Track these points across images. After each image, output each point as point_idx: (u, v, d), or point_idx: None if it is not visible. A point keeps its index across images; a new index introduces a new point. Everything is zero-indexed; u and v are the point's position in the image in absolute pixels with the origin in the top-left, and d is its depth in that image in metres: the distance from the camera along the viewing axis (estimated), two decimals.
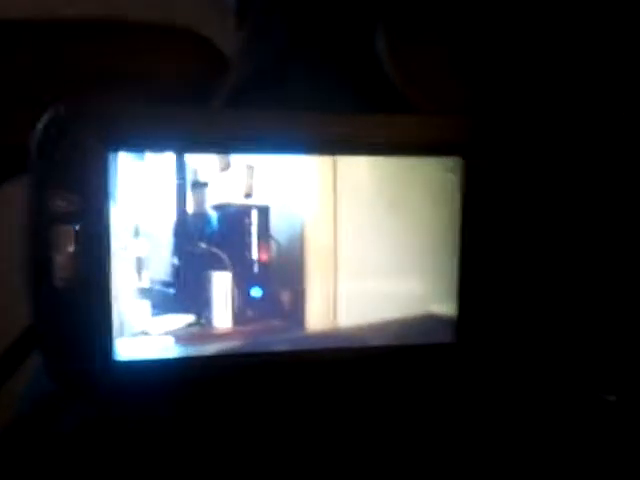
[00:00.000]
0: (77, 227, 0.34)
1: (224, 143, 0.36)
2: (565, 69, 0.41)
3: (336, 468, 0.36)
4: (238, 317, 0.37)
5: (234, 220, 0.37)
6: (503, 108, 0.41)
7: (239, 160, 0.36)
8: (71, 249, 0.34)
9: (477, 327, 0.40)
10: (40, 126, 0.34)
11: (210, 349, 0.37)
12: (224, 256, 0.37)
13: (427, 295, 0.40)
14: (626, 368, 0.40)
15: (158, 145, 0.35)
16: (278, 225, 0.37)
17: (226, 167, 0.36)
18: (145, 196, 0.35)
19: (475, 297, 0.40)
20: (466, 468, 0.36)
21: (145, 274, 0.36)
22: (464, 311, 0.40)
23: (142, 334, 0.36)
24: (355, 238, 0.38)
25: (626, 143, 0.40)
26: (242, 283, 0.37)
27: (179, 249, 0.36)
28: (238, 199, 0.37)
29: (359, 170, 0.38)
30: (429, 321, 0.40)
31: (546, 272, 0.41)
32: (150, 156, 0.35)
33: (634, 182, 0.40)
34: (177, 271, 0.36)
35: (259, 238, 0.37)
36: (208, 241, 0.37)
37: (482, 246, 0.39)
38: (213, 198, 0.36)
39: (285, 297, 0.38)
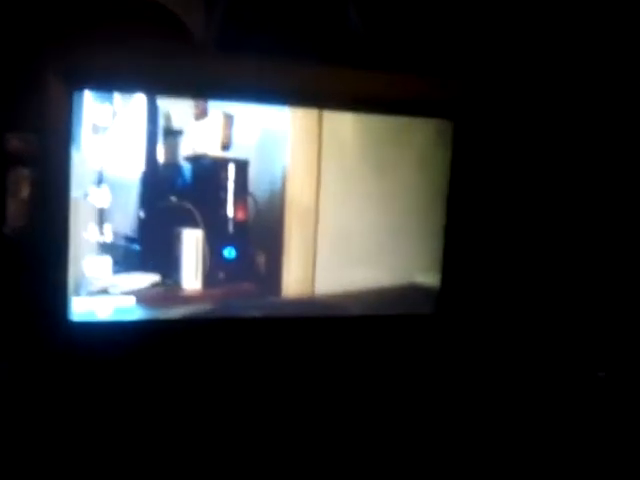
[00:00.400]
0: (33, 171, 0.31)
1: (202, 87, 0.33)
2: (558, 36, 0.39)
3: (305, 443, 0.34)
4: (208, 279, 0.34)
5: (209, 173, 0.34)
6: (495, 71, 0.39)
7: (217, 107, 0.33)
8: (25, 194, 0.31)
9: (459, 299, 0.38)
10: None
11: (176, 312, 0.34)
12: (196, 212, 0.34)
13: (410, 264, 0.38)
14: (614, 345, 0.39)
15: (128, 85, 0.32)
16: (257, 181, 0.34)
17: (203, 115, 0.33)
18: (111, 141, 0.32)
19: (459, 267, 0.38)
20: (444, 441, 0.35)
21: (107, 227, 0.32)
22: (447, 281, 0.38)
23: (101, 293, 0.33)
24: (338, 199, 0.36)
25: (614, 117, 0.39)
26: (214, 242, 0.34)
27: (146, 202, 0.33)
28: (214, 151, 0.34)
29: (345, 128, 0.35)
30: (410, 291, 0.38)
31: (533, 244, 0.39)
32: (118, 97, 0.32)
33: (622, 155, 0.39)
34: (143, 226, 0.33)
35: (235, 194, 0.34)
36: (179, 195, 0.33)
37: (469, 214, 0.38)
38: (187, 148, 0.33)
39: (260, 260, 0.35)
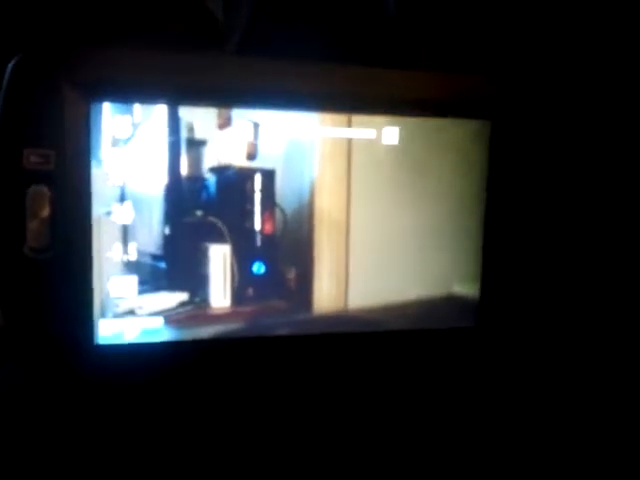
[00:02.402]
0: (53, 188, 0.29)
1: (225, 95, 0.31)
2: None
3: (342, 463, 0.32)
4: (237, 296, 0.33)
5: (235, 185, 0.32)
6: (535, 69, 0.37)
7: (242, 116, 0.32)
8: (45, 213, 0.29)
9: (500, 310, 0.36)
10: (10, 72, 0.29)
11: (205, 332, 0.33)
12: (222, 226, 0.32)
13: (447, 274, 0.36)
14: None
15: (148, 95, 0.30)
16: (284, 192, 0.33)
17: (227, 124, 0.32)
18: (132, 155, 0.31)
19: (500, 277, 0.36)
20: (488, 459, 0.33)
21: (132, 245, 0.31)
22: (487, 292, 0.36)
23: (128, 314, 0.31)
24: (370, 208, 0.34)
25: None
26: (243, 258, 0.33)
27: (171, 217, 0.32)
28: (240, 161, 0.32)
29: (377, 132, 0.34)
30: (448, 303, 0.36)
31: (577, 250, 0.37)
32: (139, 108, 0.31)
33: None
34: (168, 242, 0.32)
35: (263, 206, 0.33)
36: (204, 209, 0.32)
37: (508, 219, 0.36)
38: (211, 159, 0.32)
39: (291, 274, 0.33)
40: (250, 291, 0.33)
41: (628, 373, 0.37)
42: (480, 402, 0.35)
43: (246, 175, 0.32)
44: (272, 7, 0.36)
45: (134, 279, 0.31)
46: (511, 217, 0.35)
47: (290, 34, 0.34)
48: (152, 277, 0.32)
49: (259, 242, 0.33)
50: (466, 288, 0.36)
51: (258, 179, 0.32)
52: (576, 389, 0.36)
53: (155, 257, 0.32)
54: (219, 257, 0.32)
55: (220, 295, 0.33)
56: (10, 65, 0.29)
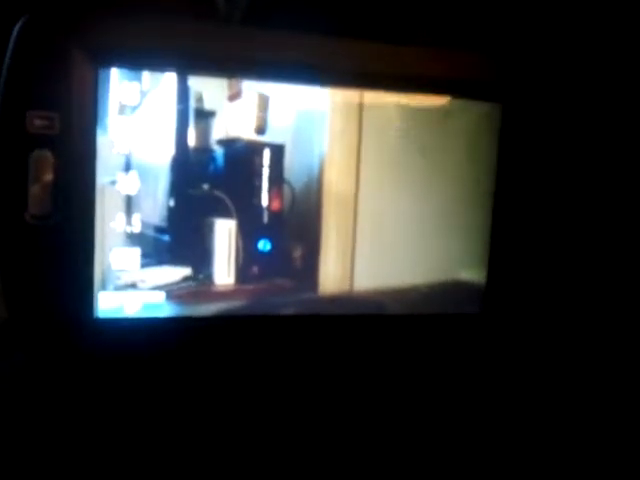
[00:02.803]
0: (57, 153, 0.28)
1: (236, 65, 0.30)
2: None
3: (345, 445, 0.31)
4: (242, 273, 0.32)
5: (243, 159, 0.32)
6: (546, 52, 0.36)
7: (252, 87, 0.31)
8: (48, 179, 0.28)
9: (506, 297, 0.36)
10: (16, 33, 0.28)
11: (207, 309, 0.32)
12: (229, 201, 0.32)
13: (453, 260, 0.35)
14: None
15: (157, 62, 0.30)
16: (293, 168, 0.32)
17: (237, 95, 0.31)
18: (139, 123, 0.30)
19: (507, 263, 0.35)
20: (491, 447, 0.32)
21: (136, 217, 0.30)
22: (493, 278, 0.36)
23: (129, 287, 0.31)
24: (378, 189, 0.33)
25: None
26: (248, 234, 0.32)
27: (177, 189, 0.31)
28: (249, 134, 0.31)
29: (388, 110, 0.33)
30: (453, 289, 0.35)
31: (586, 237, 0.37)
32: (147, 75, 0.30)
33: None
34: (173, 216, 0.31)
35: (271, 182, 0.32)
36: (211, 182, 0.31)
37: (517, 205, 0.35)
38: (219, 131, 0.31)
39: (297, 253, 0.33)
40: (255, 269, 0.32)
41: (632, 363, 0.36)
42: (483, 389, 0.35)
43: (255, 149, 0.32)
44: None
45: (137, 251, 0.30)
46: (520, 204, 0.35)
47: (291, 11, 0.34)
48: (155, 250, 0.31)
49: (266, 219, 0.32)
50: (472, 274, 0.36)
51: (267, 154, 0.32)
52: (580, 377, 0.36)
53: (159, 230, 0.31)
54: (224, 233, 0.32)
55: (224, 272, 0.32)
56: (17, 26, 0.28)
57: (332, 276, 0.33)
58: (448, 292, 0.35)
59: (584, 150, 0.36)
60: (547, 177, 0.35)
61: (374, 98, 0.33)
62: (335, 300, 0.34)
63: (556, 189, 0.36)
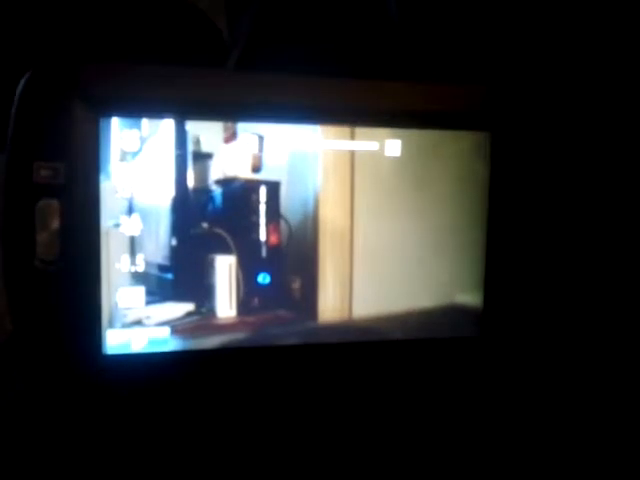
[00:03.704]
0: (62, 201, 0.30)
1: (231, 109, 0.32)
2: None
3: (348, 471, 0.32)
4: (243, 306, 0.33)
5: (240, 197, 0.33)
6: (531, 83, 0.37)
7: (247, 129, 0.32)
8: (55, 226, 0.30)
9: (503, 320, 0.36)
10: (21, 88, 0.30)
11: (211, 342, 0.33)
12: (228, 238, 0.33)
13: (450, 285, 0.36)
14: None
15: (156, 110, 0.31)
16: (289, 203, 0.33)
17: (232, 137, 0.32)
18: (140, 168, 0.31)
19: (502, 286, 0.36)
20: (492, 469, 0.33)
21: (139, 257, 0.32)
22: (490, 302, 0.36)
23: (135, 324, 0.32)
24: (373, 219, 0.35)
25: None
26: (248, 268, 0.33)
27: (178, 229, 0.32)
28: (245, 173, 0.33)
29: (379, 143, 0.34)
30: (451, 313, 0.36)
31: (579, 259, 0.37)
32: (146, 123, 0.31)
33: None
34: (175, 254, 0.32)
35: (268, 218, 0.33)
36: (211, 220, 0.33)
37: (510, 229, 0.36)
38: (217, 172, 0.32)
39: (296, 285, 0.34)
40: (256, 301, 0.34)
41: (631, 382, 0.37)
42: (484, 411, 0.36)
43: (251, 187, 0.33)
44: (271, 24, 0.36)
45: (142, 290, 0.32)
46: (513, 227, 0.36)
47: (289, 50, 0.35)
48: (159, 288, 0.32)
49: (264, 253, 0.33)
50: (469, 298, 0.36)
51: (263, 191, 0.33)
52: (580, 399, 0.36)
53: (162, 268, 0.32)
54: (225, 268, 0.33)
55: (226, 305, 0.33)
56: (22, 80, 0.30)
57: (331, 305, 0.34)
58: (447, 316, 0.36)
59: (572, 172, 0.37)
60: (538, 201, 0.36)
61: (365, 133, 0.34)
62: (335, 329, 0.35)
63: (547, 211, 0.36)
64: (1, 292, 0.30)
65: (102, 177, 0.31)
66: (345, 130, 0.33)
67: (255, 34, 0.36)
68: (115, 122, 0.31)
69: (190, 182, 0.32)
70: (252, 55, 0.36)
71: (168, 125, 0.31)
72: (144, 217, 0.32)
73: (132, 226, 0.31)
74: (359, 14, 0.40)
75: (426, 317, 0.36)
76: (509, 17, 0.39)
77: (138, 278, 0.32)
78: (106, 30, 0.38)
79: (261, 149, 0.33)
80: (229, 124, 0.32)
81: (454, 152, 0.35)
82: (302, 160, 0.33)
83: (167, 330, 0.32)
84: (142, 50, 0.38)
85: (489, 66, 0.38)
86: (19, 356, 0.31)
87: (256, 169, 0.33)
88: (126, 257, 0.31)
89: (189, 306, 0.33)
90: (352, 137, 0.34)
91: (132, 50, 0.38)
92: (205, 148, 0.32)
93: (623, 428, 0.35)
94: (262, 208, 0.33)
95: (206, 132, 0.32)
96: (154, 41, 0.39)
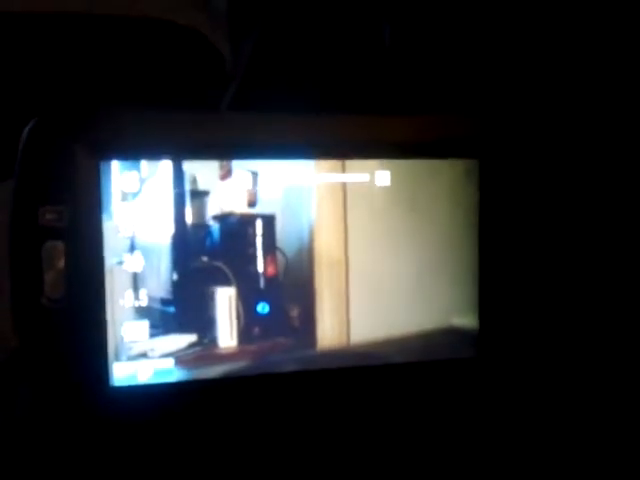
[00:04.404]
0: (67, 242, 0.31)
1: (225, 148, 0.33)
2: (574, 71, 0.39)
3: None
4: (244, 336, 0.35)
5: (237, 231, 0.34)
6: (517, 110, 0.38)
7: (242, 166, 0.34)
8: (61, 266, 0.31)
9: (500, 341, 0.37)
10: (25, 134, 0.31)
11: (214, 371, 0.34)
12: (227, 270, 0.34)
13: (445, 308, 0.37)
14: None
15: (153, 152, 0.33)
16: (284, 235, 0.35)
17: (228, 174, 0.34)
18: (140, 207, 0.33)
19: (497, 308, 0.37)
20: None
21: (142, 292, 0.33)
22: (485, 323, 0.37)
23: (140, 357, 0.33)
24: (367, 247, 0.36)
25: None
26: (247, 299, 0.35)
27: (178, 264, 0.34)
28: (241, 208, 0.34)
29: (371, 174, 0.35)
30: (448, 335, 0.37)
31: (571, 278, 0.38)
32: (145, 164, 0.33)
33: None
34: (177, 288, 0.34)
35: (265, 250, 0.34)
36: (210, 254, 0.34)
37: (502, 253, 0.37)
38: (214, 208, 0.34)
39: (294, 313, 0.35)
40: (256, 330, 0.35)
41: (631, 404, 0.37)
42: (483, 431, 0.36)
43: (247, 221, 0.34)
44: (261, 68, 0.38)
45: (146, 323, 0.33)
46: (504, 250, 0.37)
47: (282, 89, 0.37)
48: (162, 321, 0.33)
49: (262, 284, 0.35)
50: (466, 320, 0.37)
51: (259, 224, 0.34)
52: (578, 418, 0.37)
53: (165, 302, 0.33)
54: (225, 299, 0.34)
55: (227, 335, 0.34)
56: (26, 129, 0.31)
57: (329, 332, 0.36)
58: (444, 338, 0.37)
59: (558, 195, 0.37)
60: (528, 223, 0.37)
61: (355, 165, 0.35)
62: (334, 355, 0.36)
63: (536, 233, 0.37)
64: (3, 311, 0.32)
65: (104, 217, 0.32)
66: (337, 163, 0.35)
67: (248, 73, 0.37)
68: (115, 165, 0.32)
69: (189, 218, 0.33)
70: (245, 94, 0.37)
71: (166, 166, 0.33)
72: (146, 254, 0.33)
73: (134, 263, 0.33)
74: (353, 45, 0.41)
75: (423, 340, 0.37)
76: (498, 46, 0.40)
77: (142, 312, 0.33)
78: (102, 76, 0.40)
79: (256, 185, 0.34)
80: (224, 162, 0.33)
81: (444, 179, 0.36)
82: (296, 194, 0.34)
83: (171, 361, 0.34)
84: (139, 95, 0.40)
85: (477, 96, 0.39)
86: (24, 371, 0.32)
87: (251, 204, 0.34)
88: (130, 293, 0.33)
89: (192, 337, 0.34)
90: (343, 170, 0.35)
91: (128, 94, 0.40)
92: (202, 186, 0.33)
93: (621, 447, 0.35)
94: (259, 241, 0.34)
95: (202, 171, 0.33)
96: (155, 69, 0.41)
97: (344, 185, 0.35)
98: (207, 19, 0.45)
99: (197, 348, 0.34)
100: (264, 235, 0.34)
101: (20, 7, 0.40)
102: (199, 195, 0.33)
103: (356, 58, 0.40)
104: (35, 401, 0.33)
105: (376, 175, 0.35)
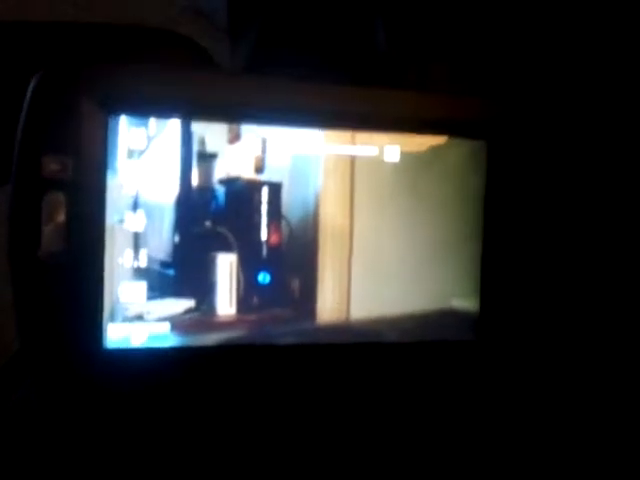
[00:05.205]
0: (69, 195, 0.31)
1: (236, 111, 0.33)
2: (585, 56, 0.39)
3: (342, 473, 0.32)
4: (243, 304, 0.34)
5: (243, 197, 0.34)
6: (527, 92, 0.39)
7: (251, 131, 0.33)
8: (61, 219, 0.30)
9: (500, 324, 0.37)
10: (32, 86, 0.31)
11: (210, 339, 0.33)
12: (230, 236, 0.34)
13: (447, 288, 0.37)
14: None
15: (163, 110, 0.32)
16: (290, 204, 0.34)
17: (236, 138, 0.33)
18: (146, 166, 0.32)
19: (498, 292, 0.37)
20: (486, 474, 0.33)
21: (142, 252, 0.32)
22: (486, 306, 0.37)
23: (136, 319, 0.33)
24: (372, 223, 0.35)
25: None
26: (249, 267, 0.34)
27: (181, 226, 0.33)
28: (248, 174, 0.34)
29: (379, 148, 0.35)
30: (447, 317, 0.37)
31: (575, 265, 0.38)
32: (153, 122, 0.32)
33: None
34: (178, 251, 0.33)
35: (269, 218, 0.34)
36: (213, 219, 0.33)
37: (506, 237, 0.37)
38: (221, 171, 0.33)
39: (295, 285, 0.35)
40: (255, 300, 0.34)
41: (629, 385, 0.37)
42: (480, 415, 0.36)
43: (254, 187, 0.34)
44: (273, 36, 0.38)
45: (143, 285, 0.32)
46: (508, 233, 0.37)
47: (292, 55, 0.36)
48: (161, 284, 0.33)
49: (265, 252, 0.34)
50: (466, 302, 0.37)
51: (265, 191, 0.34)
52: (576, 402, 0.37)
53: (164, 264, 0.33)
54: (226, 266, 0.34)
55: (226, 303, 0.34)
56: (33, 79, 0.31)
57: (329, 306, 0.35)
58: (444, 320, 0.37)
59: (566, 179, 0.38)
60: (533, 207, 0.37)
61: (365, 138, 0.35)
62: (333, 329, 0.35)
63: (542, 217, 0.37)
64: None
65: (109, 173, 0.31)
66: (346, 135, 0.34)
67: (260, 38, 0.37)
68: (123, 120, 0.32)
69: (194, 181, 0.33)
70: (258, 59, 0.37)
71: (174, 125, 0.32)
72: (148, 214, 0.32)
73: (136, 222, 0.32)
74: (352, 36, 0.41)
75: (423, 320, 0.36)
76: (504, 27, 0.40)
77: (140, 273, 0.32)
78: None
79: (264, 151, 0.34)
80: (233, 126, 0.33)
81: (452, 159, 0.36)
82: (304, 163, 0.34)
83: (167, 326, 0.33)
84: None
85: (485, 79, 0.39)
86: (21, 347, 0.31)
87: (259, 170, 0.34)
88: (129, 252, 0.32)
89: (190, 302, 0.33)
90: (353, 142, 0.35)
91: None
92: (210, 148, 0.33)
93: (620, 432, 0.35)
94: (264, 208, 0.34)
95: (211, 133, 0.33)
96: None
97: (353, 158, 0.35)
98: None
99: (194, 314, 0.33)
100: (270, 203, 0.34)
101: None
102: (206, 157, 0.33)
103: (357, 43, 0.40)
104: (29, 362, 0.32)
105: (385, 150, 0.35)
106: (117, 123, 0.31)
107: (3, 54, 0.42)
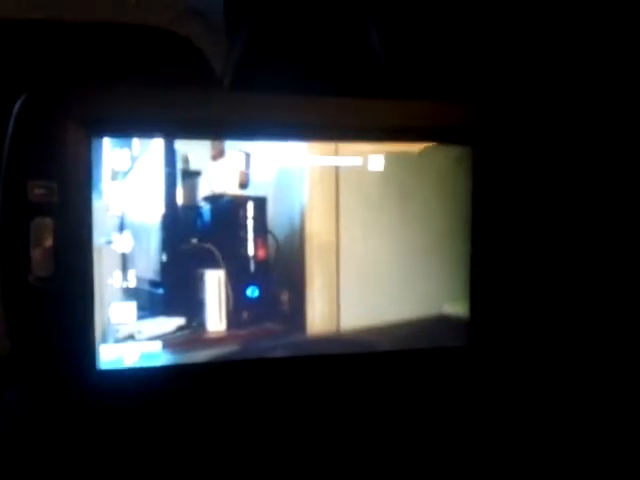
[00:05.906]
0: (56, 219, 0.31)
1: (218, 128, 0.33)
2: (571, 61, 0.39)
3: None
4: (233, 320, 0.34)
5: (228, 213, 0.34)
6: (512, 97, 0.39)
7: (234, 147, 0.33)
8: (49, 243, 0.31)
9: (491, 329, 0.37)
10: (17, 109, 0.31)
11: (202, 355, 0.34)
12: (217, 253, 0.34)
13: (437, 295, 0.37)
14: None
15: (146, 130, 0.32)
16: (276, 218, 0.34)
17: (220, 155, 0.33)
18: (131, 186, 0.32)
19: (488, 296, 0.37)
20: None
21: (131, 272, 0.33)
22: (476, 311, 0.37)
23: (127, 339, 0.33)
24: (359, 232, 0.35)
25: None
26: (237, 282, 0.34)
27: (168, 245, 0.33)
28: (233, 189, 0.34)
29: (363, 158, 0.35)
30: (439, 323, 0.37)
31: (563, 267, 0.38)
32: (136, 142, 0.32)
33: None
34: (166, 269, 0.33)
35: (255, 233, 0.34)
36: (200, 236, 0.33)
37: (494, 241, 0.37)
38: (205, 188, 0.33)
39: (284, 298, 0.35)
40: (245, 314, 0.34)
41: (622, 390, 0.37)
42: (474, 420, 0.36)
43: (239, 203, 0.34)
44: (261, 47, 0.38)
45: (133, 305, 0.33)
46: (496, 237, 0.37)
47: (277, 70, 0.37)
48: (150, 303, 0.33)
49: (252, 267, 0.34)
50: (457, 308, 0.37)
51: (250, 206, 0.34)
52: (569, 406, 0.37)
53: (153, 283, 0.33)
54: (214, 282, 0.34)
55: (216, 319, 0.34)
56: (18, 102, 0.31)
57: (319, 318, 0.35)
58: (435, 326, 0.37)
59: (551, 183, 0.38)
60: (520, 211, 0.37)
61: (348, 148, 0.35)
62: (324, 340, 0.35)
63: (529, 220, 0.37)
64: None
65: (94, 195, 0.32)
66: (330, 146, 0.35)
67: (245, 55, 0.37)
68: (106, 142, 0.32)
69: (179, 199, 0.33)
70: (244, 75, 0.37)
71: (158, 144, 0.33)
72: (135, 234, 0.33)
73: (124, 243, 0.32)
74: (342, 46, 0.41)
75: (414, 328, 0.36)
76: (490, 33, 0.40)
77: (130, 293, 0.33)
78: (95, 57, 0.40)
79: (248, 166, 0.34)
80: (217, 142, 0.33)
81: (437, 166, 0.36)
82: (288, 176, 0.34)
83: (159, 344, 0.33)
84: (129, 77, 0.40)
85: (471, 84, 0.39)
86: (16, 372, 0.32)
87: (243, 185, 0.34)
88: (118, 273, 0.32)
89: (180, 320, 0.33)
90: (336, 153, 0.35)
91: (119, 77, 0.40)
92: (194, 166, 0.33)
93: (612, 436, 0.35)
94: (249, 223, 0.34)
95: (194, 150, 0.33)
96: (141, 70, 0.41)
97: (337, 169, 0.35)
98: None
99: (185, 331, 0.34)
100: (255, 218, 0.34)
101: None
102: (190, 175, 0.33)
103: (351, 45, 0.40)
104: (23, 384, 0.32)
105: (369, 159, 0.35)
106: (101, 145, 0.32)
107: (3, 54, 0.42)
